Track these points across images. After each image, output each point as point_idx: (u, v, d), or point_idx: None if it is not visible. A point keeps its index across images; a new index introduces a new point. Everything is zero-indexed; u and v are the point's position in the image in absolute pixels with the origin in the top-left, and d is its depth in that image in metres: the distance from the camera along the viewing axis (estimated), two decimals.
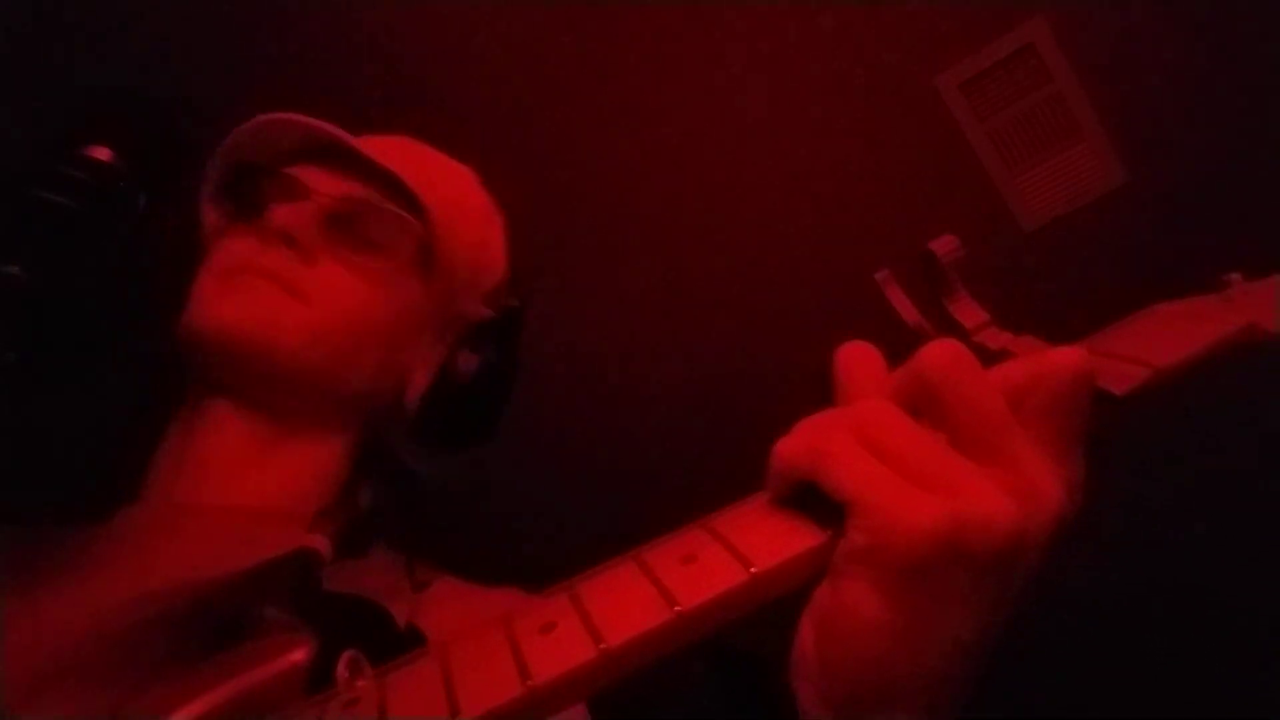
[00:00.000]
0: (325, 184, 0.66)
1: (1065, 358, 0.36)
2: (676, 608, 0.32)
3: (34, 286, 0.45)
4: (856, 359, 0.39)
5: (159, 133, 0.55)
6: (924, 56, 1.50)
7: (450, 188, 0.73)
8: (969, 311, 0.45)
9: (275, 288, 0.62)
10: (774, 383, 1.74)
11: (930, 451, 0.34)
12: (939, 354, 0.35)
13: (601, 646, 0.31)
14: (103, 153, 0.51)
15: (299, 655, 0.39)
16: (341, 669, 0.38)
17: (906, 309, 0.47)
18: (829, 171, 1.61)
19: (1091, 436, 0.36)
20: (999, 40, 1.48)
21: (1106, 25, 1.46)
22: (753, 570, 0.33)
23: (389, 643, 0.56)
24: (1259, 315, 0.41)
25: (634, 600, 0.33)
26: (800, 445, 0.35)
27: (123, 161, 0.51)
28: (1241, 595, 1.72)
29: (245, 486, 0.62)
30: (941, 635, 0.33)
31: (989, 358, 0.42)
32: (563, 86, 1.55)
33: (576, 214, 1.64)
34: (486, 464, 0.81)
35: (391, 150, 0.68)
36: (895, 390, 0.37)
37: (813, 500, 0.35)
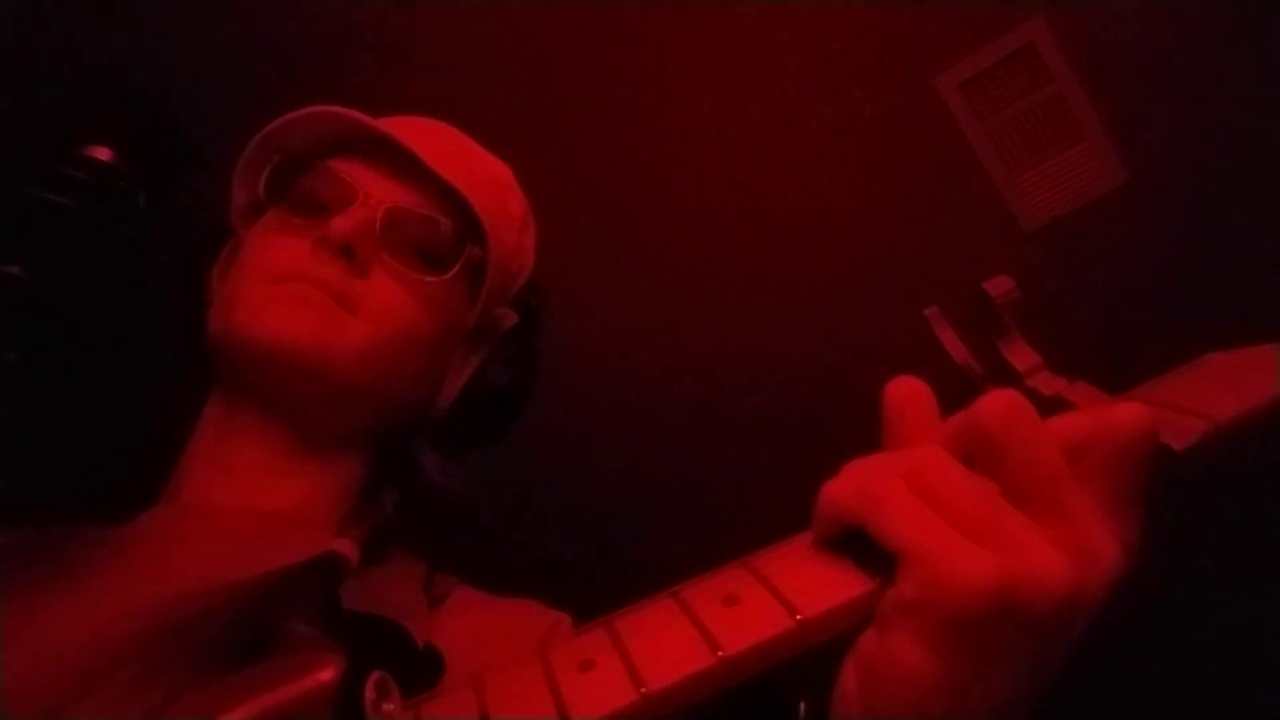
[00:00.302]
0: (378, 188, 0.64)
1: (1129, 415, 0.35)
2: (719, 652, 0.31)
3: (34, 286, 0.45)
4: (907, 397, 0.38)
5: (159, 133, 0.55)
6: (924, 56, 1.50)
7: (496, 194, 0.71)
8: (1022, 354, 0.44)
9: (328, 299, 0.60)
10: (768, 381, 1.74)
11: (986, 504, 0.33)
12: (999, 403, 0.34)
13: (642, 690, 0.31)
14: (103, 152, 0.50)
15: (327, 674, 0.38)
16: (369, 690, 0.38)
17: (955, 348, 0.46)
18: (827, 172, 1.61)
19: (1148, 489, 0.36)
20: (999, 40, 1.48)
21: (1106, 25, 1.46)
22: (798, 617, 0.32)
23: (407, 662, 0.55)
24: None
25: (675, 641, 0.32)
26: (849, 490, 0.35)
27: (123, 161, 0.51)
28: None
29: (272, 492, 0.61)
30: (986, 690, 0.33)
31: (1042, 403, 0.41)
32: (563, 94, 1.55)
33: (580, 237, 1.64)
34: (509, 470, 0.81)
35: (438, 146, 0.66)
36: (950, 436, 0.36)
37: (858, 542, 0.34)
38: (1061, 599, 0.32)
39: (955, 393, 0.40)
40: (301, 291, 0.59)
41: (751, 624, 0.32)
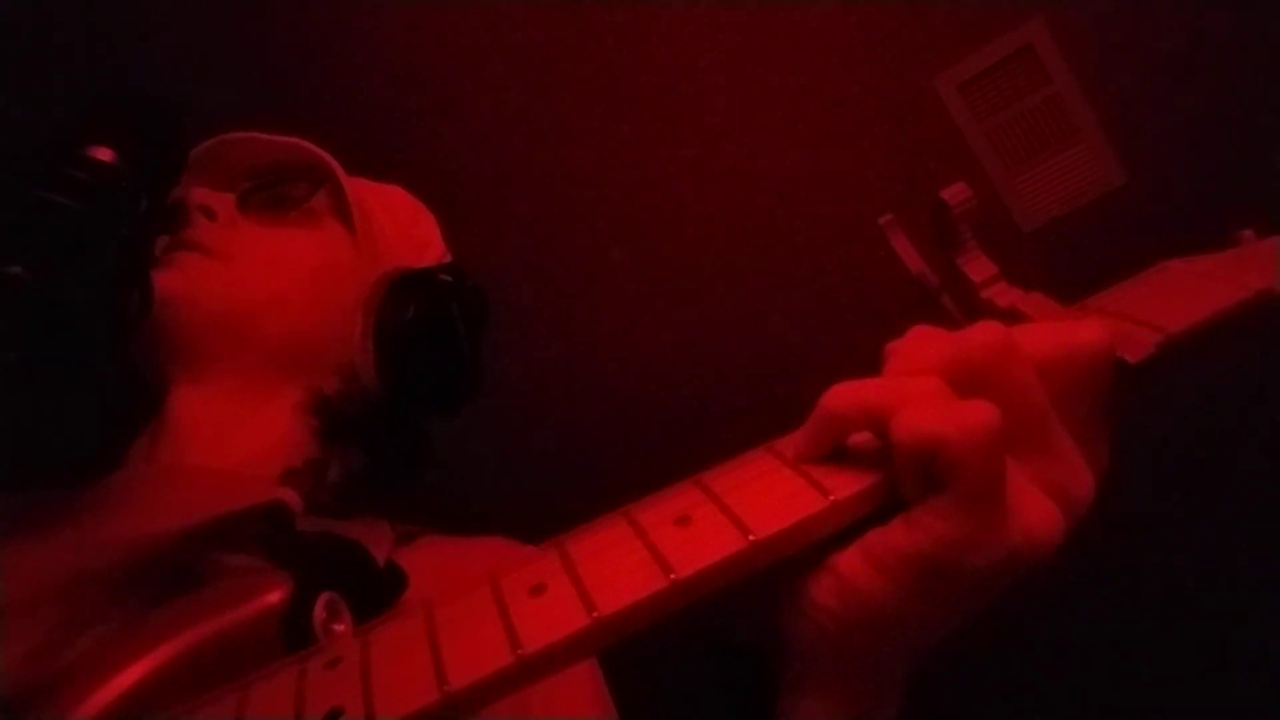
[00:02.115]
0: (234, 175, 0.71)
1: (1092, 336, 0.34)
2: (671, 575, 0.31)
3: (35, 287, 0.45)
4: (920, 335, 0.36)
5: (161, 133, 0.55)
6: (923, 56, 1.50)
7: (367, 179, 0.77)
8: (978, 265, 0.43)
9: (198, 256, 0.65)
10: (757, 374, 1.74)
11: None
12: (991, 340, 0.33)
13: (594, 615, 0.30)
14: (105, 153, 0.50)
15: (274, 596, 0.38)
16: (319, 611, 0.37)
17: (911, 257, 0.45)
18: (826, 172, 1.61)
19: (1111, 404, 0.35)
20: (998, 41, 1.48)
21: (1105, 26, 1.46)
22: (751, 537, 0.31)
23: (368, 581, 0.54)
24: (1272, 276, 0.40)
25: (627, 564, 0.31)
26: (924, 420, 0.31)
27: (124, 162, 0.51)
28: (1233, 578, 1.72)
29: (218, 450, 0.63)
30: (963, 616, 0.34)
31: (997, 314, 0.41)
32: (565, 85, 1.55)
33: (577, 204, 1.64)
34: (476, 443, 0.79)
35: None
36: (939, 367, 0.34)
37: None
38: (1052, 552, 0.32)
39: (910, 304, 0.38)
40: (175, 257, 0.65)
41: (704, 545, 0.31)
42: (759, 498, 0.33)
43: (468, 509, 0.86)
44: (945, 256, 0.43)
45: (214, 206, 0.68)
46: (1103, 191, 1.57)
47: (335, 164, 0.71)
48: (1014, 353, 0.33)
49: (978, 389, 0.32)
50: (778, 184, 1.63)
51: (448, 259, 0.78)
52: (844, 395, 0.34)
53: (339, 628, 0.37)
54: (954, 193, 0.43)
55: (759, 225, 1.67)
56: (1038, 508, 0.32)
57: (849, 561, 0.33)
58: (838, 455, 0.34)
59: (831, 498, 0.32)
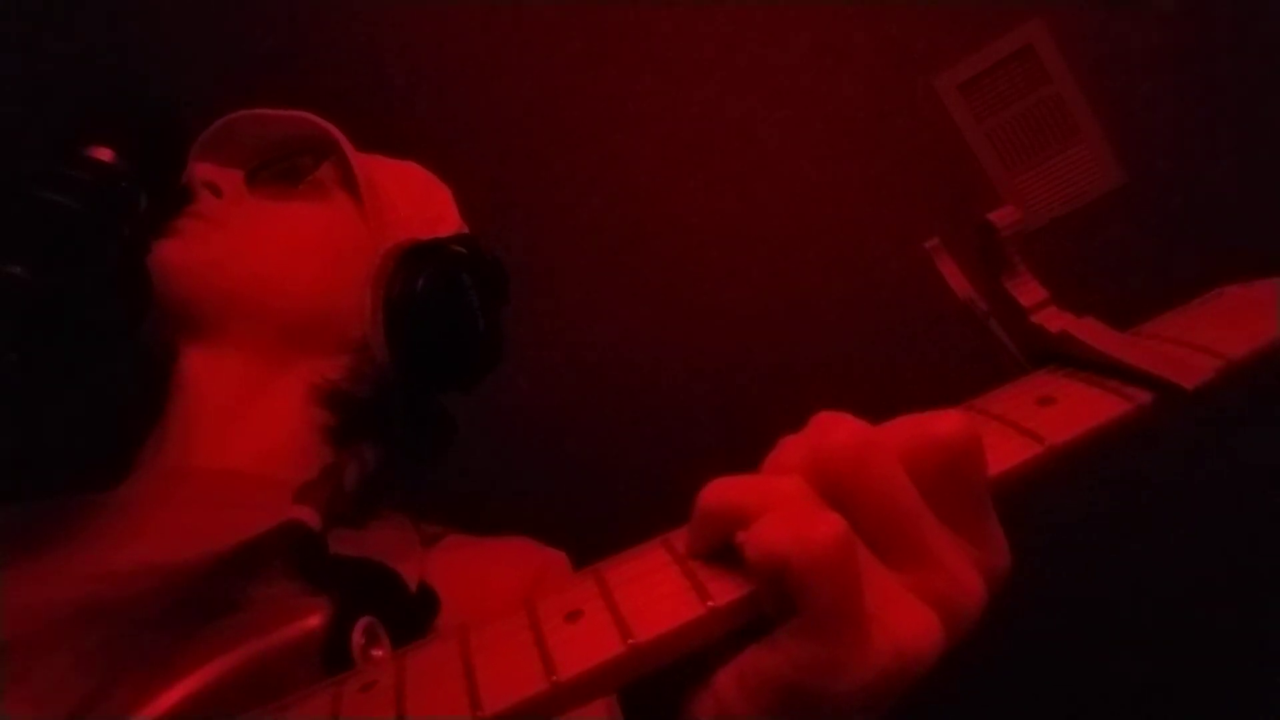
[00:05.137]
0: (244, 154, 0.71)
1: (946, 429, 0.31)
2: (709, 602, 0.30)
3: (36, 287, 0.45)
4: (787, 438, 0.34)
5: (160, 133, 0.55)
6: (923, 57, 1.50)
7: (379, 156, 0.76)
8: (1028, 289, 0.41)
9: (201, 224, 0.64)
10: (767, 379, 1.74)
11: (868, 573, 0.30)
12: (846, 440, 0.30)
13: (630, 642, 0.30)
14: (104, 153, 0.51)
15: (314, 621, 0.38)
16: (357, 636, 0.37)
17: (958, 281, 0.44)
18: (826, 172, 1.61)
19: (1147, 430, 0.34)
20: (998, 41, 1.48)
21: (1105, 26, 1.46)
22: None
23: (402, 605, 0.54)
24: None
25: (664, 591, 0.31)
26: (768, 537, 0.29)
27: (124, 162, 0.51)
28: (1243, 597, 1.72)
29: (228, 448, 0.61)
30: None
31: (1048, 340, 0.39)
32: (568, 89, 1.55)
33: (591, 211, 1.65)
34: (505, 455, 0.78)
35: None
36: (804, 471, 0.31)
37: None
38: (930, 664, 0.30)
39: (959, 332, 0.38)
40: (179, 226, 0.64)
41: (741, 574, 0.31)
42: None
43: (482, 508, 0.85)
44: (992, 281, 0.42)
45: (220, 183, 0.67)
46: (1102, 191, 1.57)
47: (340, 134, 0.70)
48: (872, 452, 0.30)
49: (840, 492, 0.30)
50: (776, 182, 1.63)
51: (464, 232, 0.76)
52: (715, 494, 0.32)
53: (378, 653, 0.37)
54: (1002, 215, 0.42)
55: (760, 225, 1.67)
56: (911, 618, 0.29)
57: (724, 682, 0.31)
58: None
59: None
